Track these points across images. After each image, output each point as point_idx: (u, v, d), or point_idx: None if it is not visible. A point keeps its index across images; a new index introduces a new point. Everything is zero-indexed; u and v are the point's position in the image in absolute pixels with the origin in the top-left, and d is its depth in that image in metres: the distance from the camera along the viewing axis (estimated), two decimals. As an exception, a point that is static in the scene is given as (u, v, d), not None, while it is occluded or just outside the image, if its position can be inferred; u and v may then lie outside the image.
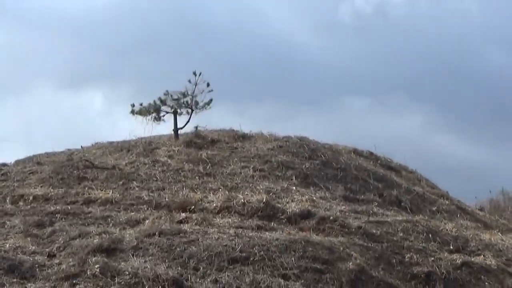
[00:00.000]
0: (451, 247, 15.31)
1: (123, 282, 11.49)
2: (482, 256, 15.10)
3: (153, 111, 23.06)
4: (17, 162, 20.93)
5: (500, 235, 17.60)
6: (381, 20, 66.34)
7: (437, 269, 13.97)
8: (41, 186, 17.02)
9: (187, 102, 23.12)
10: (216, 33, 59.49)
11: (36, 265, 12.28)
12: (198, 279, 11.86)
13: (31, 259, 12.50)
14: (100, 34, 61.45)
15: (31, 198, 16.15)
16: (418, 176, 23.26)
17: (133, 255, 12.53)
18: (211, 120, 23.85)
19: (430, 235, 15.56)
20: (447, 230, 16.44)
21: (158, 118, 23.37)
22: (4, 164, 20.74)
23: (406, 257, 14.21)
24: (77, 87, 70.88)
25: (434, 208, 19.07)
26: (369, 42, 65.12)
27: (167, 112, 23.13)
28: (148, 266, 11.86)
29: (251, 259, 12.56)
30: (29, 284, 11.64)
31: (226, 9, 62.76)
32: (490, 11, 68.99)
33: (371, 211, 16.51)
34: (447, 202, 20.46)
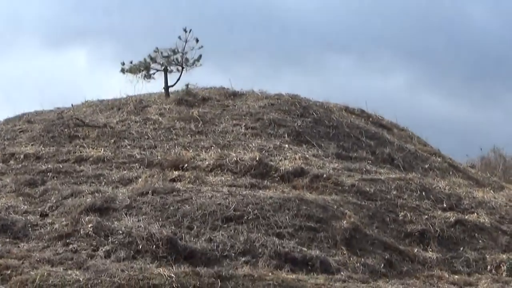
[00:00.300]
0: (445, 205, 15.38)
1: (116, 242, 11.45)
2: (475, 214, 15.18)
3: (143, 69, 22.86)
4: (7, 121, 20.73)
5: (492, 192, 17.68)
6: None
7: (431, 227, 14.04)
8: (32, 145, 16.91)
9: (177, 59, 22.92)
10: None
11: (29, 225, 12.25)
12: (192, 238, 11.84)
13: (24, 218, 12.47)
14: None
15: (22, 156, 16.06)
16: (409, 133, 23.22)
17: (126, 214, 12.52)
18: (196, 78, 23.68)
19: (424, 193, 15.63)
20: (440, 188, 16.48)
21: (148, 76, 23.16)
22: (-6, 123, 20.59)
23: (400, 215, 14.29)
24: (60, 45, 70.13)
25: (426, 166, 19.10)
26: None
27: (157, 70, 22.92)
28: (142, 225, 11.83)
29: (245, 217, 12.55)
30: (22, 244, 11.61)
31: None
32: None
33: (364, 169, 16.50)
34: (439, 159, 20.48)
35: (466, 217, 14.85)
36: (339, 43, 61.11)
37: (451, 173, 19.33)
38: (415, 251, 13.26)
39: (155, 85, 23.45)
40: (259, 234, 12.06)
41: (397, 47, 62.22)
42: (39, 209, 13.11)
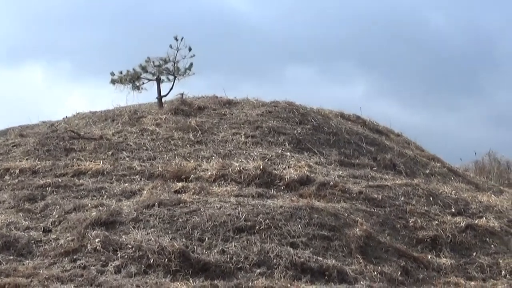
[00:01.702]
0: (453, 210, 15.27)
1: (126, 256, 11.15)
2: (484, 218, 15.05)
3: (134, 79, 22.62)
4: (-3, 135, 20.49)
5: (495, 197, 17.66)
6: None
7: (442, 233, 13.89)
8: (27, 159, 16.56)
9: (168, 68, 22.68)
10: (152, 4, 59.38)
11: (32, 241, 11.92)
12: (204, 251, 11.57)
13: (26, 235, 12.12)
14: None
15: (17, 171, 15.70)
16: (406, 139, 23.25)
17: (134, 227, 12.23)
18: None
19: (431, 198, 15.51)
20: (446, 193, 16.38)
21: (137, 87, 22.92)
22: (-16, 138, 20.22)
23: (410, 221, 14.14)
24: (16, 63, 70.22)
25: (427, 171, 19.07)
26: (309, 9, 65.44)
27: (149, 80, 22.62)
28: (152, 239, 11.52)
29: (257, 227, 12.30)
30: (27, 261, 11.28)
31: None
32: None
33: (369, 176, 16.37)
34: (438, 165, 20.48)
35: (475, 221, 14.73)
36: (298, 54, 61.74)
37: (451, 178, 19.26)
38: (429, 257, 13.09)
39: (145, 96, 23.17)
40: (272, 244, 11.81)
41: (356, 56, 63.14)
42: (42, 224, 12.77)
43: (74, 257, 11.26)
